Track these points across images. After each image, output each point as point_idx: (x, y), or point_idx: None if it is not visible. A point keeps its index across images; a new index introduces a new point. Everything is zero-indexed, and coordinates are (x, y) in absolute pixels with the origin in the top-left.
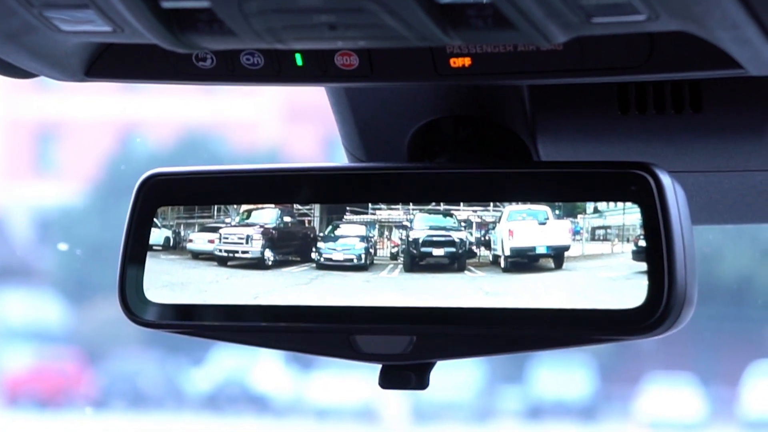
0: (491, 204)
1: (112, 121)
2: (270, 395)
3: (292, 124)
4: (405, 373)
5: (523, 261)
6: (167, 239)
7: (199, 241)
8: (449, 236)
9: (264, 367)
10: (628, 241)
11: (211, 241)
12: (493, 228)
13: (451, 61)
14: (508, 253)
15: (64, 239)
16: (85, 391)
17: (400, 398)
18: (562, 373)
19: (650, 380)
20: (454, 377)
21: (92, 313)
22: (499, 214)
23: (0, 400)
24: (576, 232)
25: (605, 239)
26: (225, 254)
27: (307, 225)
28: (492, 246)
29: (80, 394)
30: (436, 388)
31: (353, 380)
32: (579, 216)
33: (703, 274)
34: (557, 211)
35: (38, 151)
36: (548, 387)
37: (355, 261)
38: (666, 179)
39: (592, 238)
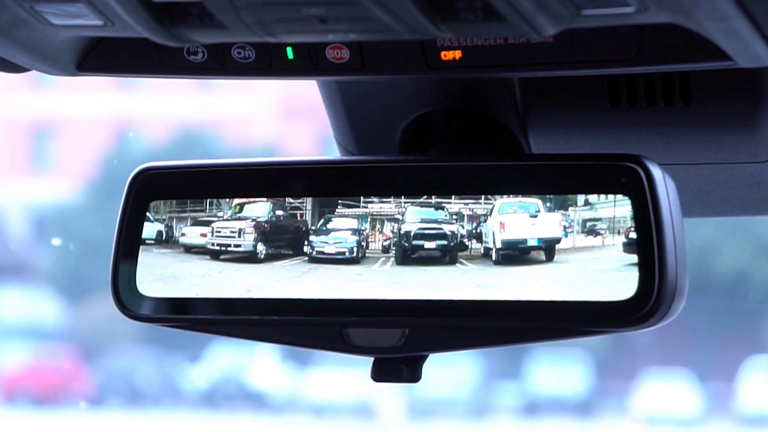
0: (483, 197)
1: (107, 118)
2: (267, 392)
3: (287, 120)
4: (397, 366)
5: (515, 253)
6: (160, 233)
7: (191, 234)
8: (441, 229)
9: (260, 364)
10: (618, 233)
11: (204, 235)
12: (485, 221)
13: (442, 54)
14: (499, 245)
15: (60, 236)
16: (82, 388)
17: (396, 394)
18: (558, 369)
19: (646, 376)
20: (450, 373)
21: (88, 310)
22: (490, 206)
23: None
24: (569, 224)
25: (596, 231)
26: (217, 248)
27: (299, 218)
28: (483, 239)
29: (77, 391)
30: (432, 384)
31: (350, 377)
32: (570, 208)
33: (697, 268)
34: (548, 204)
35: (34, 149)
36: (545, 383)
37: (347, 254)
38: (656, 171)
39: (583, 231)
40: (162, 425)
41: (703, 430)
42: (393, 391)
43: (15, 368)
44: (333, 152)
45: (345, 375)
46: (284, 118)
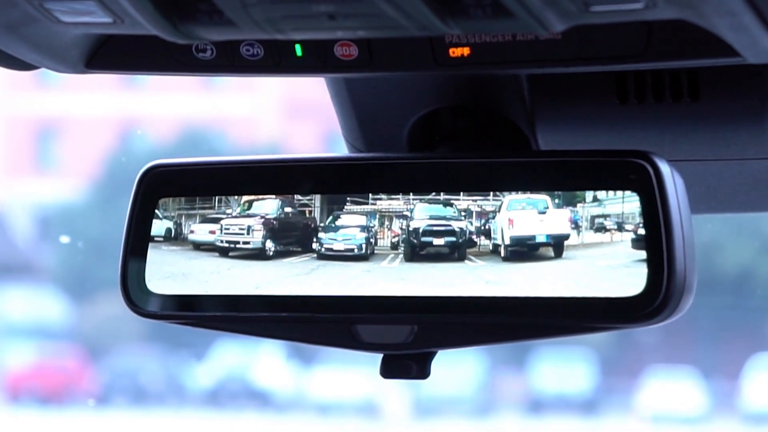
0: (491, 193)
1: (112, 117)
2: (271, 390)
3: (291, 118)
4: (406, 362)
5: (523, 250)
6: (168, 230)
7: (200, 232)
8: (449, 226)
9: (265, 362)
10: (627, 229)
11: (213, 232)
12: (493, 217)
13: (451, 50)
14: (508, 242)
15: (65, 235)
16: (87, 387)
17: (401, 392)
18: (562, 367)
19: (651, 374)
20: (455, 371)
21: (93, 309)
22: (498, 203)
23: (2, 397)
24: (575, 222)
25: (605, 228)
26: (226, 245)
27: (307, 215)
28: (492, 235)
29: (82, 390)
30: (437, 382)
31: (355, 375)
32: (578, 205)
33: (702, 264)
34: (557, 200)
35: (39, 147)
36: (549, 381)
37: (356, 251)
38: (665, 167)
39: (592, 227)
40: (167, 424)
41: (708, 428)
42: (398, 389)
43: (20, 367)
44: (338, 150)
45: (350, 373)
46: (288, 116)
